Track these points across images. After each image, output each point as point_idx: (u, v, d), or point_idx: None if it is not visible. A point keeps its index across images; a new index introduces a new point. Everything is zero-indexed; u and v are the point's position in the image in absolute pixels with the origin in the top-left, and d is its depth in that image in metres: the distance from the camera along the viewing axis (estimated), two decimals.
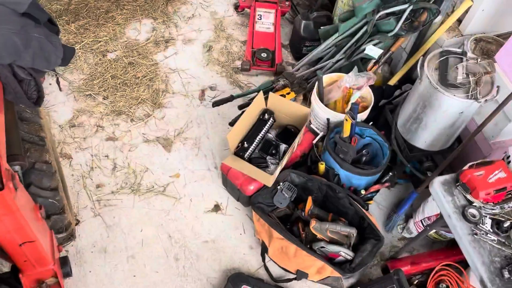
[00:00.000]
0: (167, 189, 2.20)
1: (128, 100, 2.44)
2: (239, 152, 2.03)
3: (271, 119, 2.15)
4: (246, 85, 2.60)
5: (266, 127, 2.15)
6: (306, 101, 2.42)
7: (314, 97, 2.13)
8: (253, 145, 2.08)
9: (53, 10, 2.70)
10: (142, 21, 2.70)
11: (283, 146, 2.12)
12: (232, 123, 2.30)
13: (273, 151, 2.10)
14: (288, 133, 2.16)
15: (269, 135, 2.16)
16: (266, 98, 2.16)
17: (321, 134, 2.16)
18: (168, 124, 2.43)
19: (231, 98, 2.33)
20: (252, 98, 2.35)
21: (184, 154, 2.31)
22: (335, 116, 2.08)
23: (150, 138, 2.35)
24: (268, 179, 1.94)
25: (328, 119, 2.11)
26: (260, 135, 2.12)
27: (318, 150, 2.14)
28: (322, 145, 2.12)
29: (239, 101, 2.46)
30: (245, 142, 2.06)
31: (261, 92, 2.15)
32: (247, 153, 2.04)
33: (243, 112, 2.18)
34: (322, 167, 2.05)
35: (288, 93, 2.27)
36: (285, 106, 2.11)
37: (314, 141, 2.14)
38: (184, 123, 2.43)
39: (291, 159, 2.11)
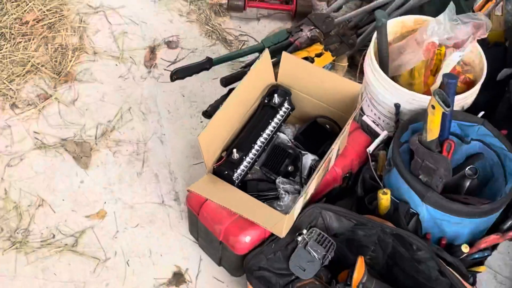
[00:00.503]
0: (82, 241, 2.20)
1: (7, 68, 2.52)
2: (223, 169, 2.02)
3: (286, 105, 2.12)
4: (237, 38, 2.72)
5: (275, 120, 2.13)
6: (356, 71, 2.48)
7: (370, 62, 2.16)
8: (251, 155, 2.05)
9: None
10: None
11: (308, 158, 2.08)
12: (209, 113, 2.24)
13: (290, 168, 2.08)
14: (318, 133, 2.16)
15: (282, 136, 2.15)
16: (276, 65, 2.15)
17: (383, 134, 2.15)
18: (84, 114, 2.47)
19: (207, 65, 2.34)
20: (249, 65, 2.38)
21: (114, 172, 2.35)
22: (411, 100, 2.10)
23: (49, 141, 2.41)
24: (279, 223, 1.92)
25: (397, 106, 2.12)
26: (264, 136, 2.10)
27: (378, 166, 2.13)
28: (385, 157, 2.10)
29: (223, 70, 2.54)
30: (235, 150, 2.03)
31: (267, 52, 2.09)
32: (239, 171, 2.02)
33: (230, 91, 2.14)
34: (385, 199, 2.01)
35: (319, 54, 2.29)
36: (313, 80, 2.11)
37: (370, 149, 2.12)
38: (115, 113, 2.44)
39: (325, 184, 2.11)
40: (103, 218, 2.23)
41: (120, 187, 2.29)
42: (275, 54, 2.25)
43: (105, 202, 2.26)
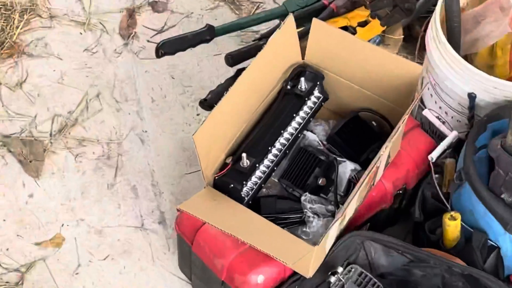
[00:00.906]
0: (30, 278, 2.19)
1: None
2: (228, 180, 2.01)
3: (317, 92, 2.13)
4: None
5: (302, 114, 2.13)
6: (414, 47, 2.47)
7: (435, 35, 2.14)
8: (266, 162, 2.05)
9: None
10: None
11: (347, 168, 2.08)
12: (208, 103, 2.25)
13: (320, 181, 2.06)
14: (360, 133, 2.16)
15: (311, 136, 2.16)
16: (303, 37, 2.16)
17: (452, 136, 2.15)
18: (36, 102, 2.46)
19: (207, 36, 2.35)
20: (265, 36, 2.38)
21: (76, 183, 2.35)
22: (492, 88, 2.09)
23: None
24: (305, 258, 1.89)
25: (472, 96, 2.10)
26: (286, 136, 2.10)
27: (444, 180, 2.12)
28: (453, 168, 2.11)
29: (230, 43, 2.54)
30: (244, 155, 2.01)
31: (291, 18, 2.08)
32: (249, 183, 2.02)
33: (239, 73, 2.10)
34: (453, 227, 2.01)
35: (363, 23, 2.32)
36: (355, 58, 2.11)
37: (433, 157, 2.11)
38: (78, 100, 2.44)
39: (369, 204, 2.11)
40: (59, 247, 2.22)
41: (83, 204, 2.28)
42: (303, 22, 2.24)
43: (62, 225, 2.25)
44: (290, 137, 2.08)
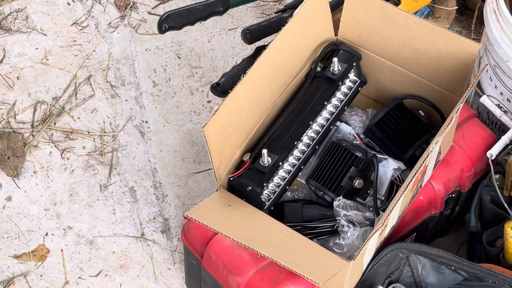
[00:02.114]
0: None
1: None
2: (245, 182, 2.04)
3: (352, 76, 2.19)
4: None
5: (334, 102, 2.16)
6: (470, 20, 2.57)
7: (496, 6, 2.17)
8: (291, 159, 2.08)
9: None
10: None
11: (389, 167, 2.12)
12: (222, 88, 2.27)
13: (356, 182, 2.10)
14: (405, 124, 2.19)
15: (345, 128, 2.20)
16: (336, 8, 2.20)
17: None
18: (14, 86, 2.55)
19: (219, 6, 2.36)
20: (290, 8, 2.38)
21: (62, 184, 2.40)
22: None
23: None
24: (338, 276, 1.91)
25: None
26: (315, 128, 2.12)
27: (506, 182, 2.13)
28: None
29: (247, 16, 2.64)
30: (265, 151, 2.04)
31: None
32: (271, 185, 2.05)
33: (259, 52, 2.14)
34: None
35: None
36: (399, 34, 2.14)
37: (493, 153, 2.12)
38: (66, 84, 2.52)
39: (415, 209, 2.13)
40: (43, 260, 2.24)
41: (71, 209, 2.30)
42: None
43: (46, 234, 2.27)
44: (320, 130, 2.10)
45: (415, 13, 2.32)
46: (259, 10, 2.62)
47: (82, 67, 2.54)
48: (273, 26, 2.35)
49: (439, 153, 2.06)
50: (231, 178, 2.01)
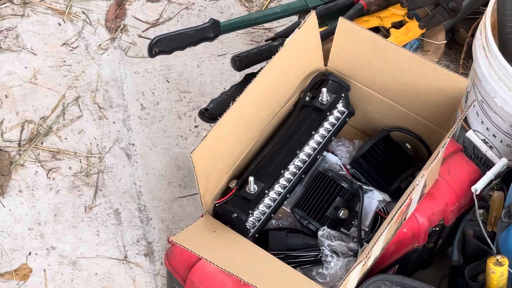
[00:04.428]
0: None
1: None
2: (231, 208, 2.03)
3: (340, 106, 2.19)
4: None
5: (322, 132, 2.18)
6: (459, 55, 2.60)
7: (484, 42, 2.17)
8: (277, 188, 2.09)
9: None
10: None
11: (373, 198, 2.11)
12: (210, 113, 2.27)
13: (341, 213, 2.09)
14: (391, 156, 2.19)
15: (331, 158, 2.21)
16: (326, 38, 2.21)
17: (500, 163, 2.17)
18: (2, 104, 2.55)
19: (210, 32, 2.37)
20: (281, 36, 2.38)
21: (47, 204, 2.39)
22: None
23: None
24: None
25: None
26: (302, 157, 2.14)
27: (489, 217, 2.13)
28: (501, 202, 2.12)
29: (237, 42, 2.62)
30: (251, 179, 2.03)
31: (313, 16, 2.11)
32: (256, 213, 2.05)
33: (248, 79, 2.18)
34: (499, 273, 2.00)
35: (398, 24, 2.37)
36: (388, 66, 2.15)
37: (478, 188, 2.12)
38: (53, 104, 2.53)
39: (399, 241, 2.12)
40: (25, 280, 2.23)
41: (55, 229, 2.29)
42: (326, 20, 2.27)
43: (29, 253, 2.26)
44: (307, 159, 2.09)
45: (405, 45, 2.32)
46: (249, 37, 2.62)
47: (70, 87, 2.53)
48: (263, 54, 2.35)
49: (424, 186, 2.05)
50: (217, 204, 2.00)
